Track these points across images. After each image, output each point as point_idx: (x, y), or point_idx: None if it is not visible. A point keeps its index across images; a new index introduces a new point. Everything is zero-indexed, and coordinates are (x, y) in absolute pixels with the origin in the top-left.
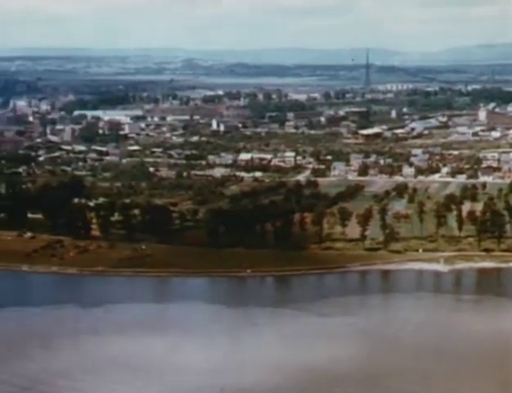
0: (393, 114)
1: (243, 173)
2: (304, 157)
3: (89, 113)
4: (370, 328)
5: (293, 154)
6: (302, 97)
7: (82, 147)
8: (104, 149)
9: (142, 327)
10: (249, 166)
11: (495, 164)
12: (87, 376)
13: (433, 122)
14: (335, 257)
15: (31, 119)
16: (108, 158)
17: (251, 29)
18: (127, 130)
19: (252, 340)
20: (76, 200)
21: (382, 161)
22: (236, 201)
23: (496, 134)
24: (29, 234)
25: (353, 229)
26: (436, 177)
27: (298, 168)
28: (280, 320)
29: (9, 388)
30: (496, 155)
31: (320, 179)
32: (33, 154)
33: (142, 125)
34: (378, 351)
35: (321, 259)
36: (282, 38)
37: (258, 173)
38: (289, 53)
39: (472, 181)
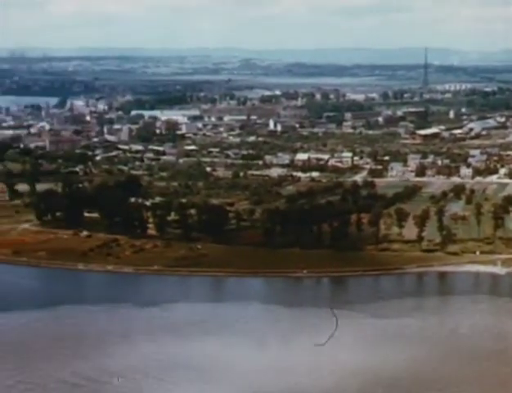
0: (451, 114)
1: (300, 174)
2: (361, 157)
3: (146, 113)
4: (426, 331)
5: (350, 154)
6: (360, 97)
7: (139, 147)
8: (161, 149)
9: (198, 327)
10: (306, 166)
11: None
12: (143, 375)
13: (491, 122)
14: (392, 258)
15: (88, 118)
16: (165, 158)
17: (309, 28)
18: (184, 130)
19: (308, 340)
20: (133, 199)
21: (439, 162)
22: (293, 201)
23: None
24: (85, 233)
25: (410, 230)
26: (494, 178)
27: (355, 168)
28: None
29: (64, 386)
30: None
31: (377, 180)
32: (90, 153)
33: (199, 125)
34: (435, 354)
35: (378, 261)
36: (340, 38)
37: (314, 174)
38: (347, 53)
39: None
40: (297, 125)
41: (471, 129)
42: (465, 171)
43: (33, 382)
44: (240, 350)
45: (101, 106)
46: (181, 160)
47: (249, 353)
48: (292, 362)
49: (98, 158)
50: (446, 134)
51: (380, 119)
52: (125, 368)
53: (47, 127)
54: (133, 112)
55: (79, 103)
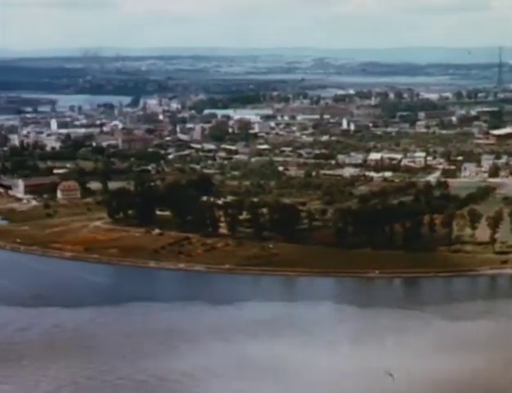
0: None
1: (372, 173)
2: (435, 157)
3: (219, 112)
4: (500, 333)
5: (423, 154)
6: (433, 97)
7: (211, 146)
8: (233, 148)
9: (270, 326)
10: (379, 166)
11: None
12: (214, 375)
13: None
14: (465, 260)
15: (161, 117)
16: (237, 157)
17: (383, 27)
18: (256, 129)
19: (380, 341)
20: (204, 198)
21: None
22: (365, 201)
23: None
24: (157, 231)
25: (483, 232)
26: None
27: (428, 168)
28: (409, 322)
29: (132, 384)
30: None
31: (450, 180)
32: (162, 152)
33: (272, 124)
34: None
35: (451, 262)
36: (414, 37)
37: (387, 174)
38: (421, 52)
39: None
40: (370, 125)
41: None
42: None
43: (102, 379)
44: (311, 351)
45: (174, 105)
46: (253, 159)
47: (320, 353)
48: (364, 364)
49: (171, 157)
50: None
51: (454, 118)
52: (196, 368)
53: (120, 126)
54: (206, 111)
55: (152, 102)
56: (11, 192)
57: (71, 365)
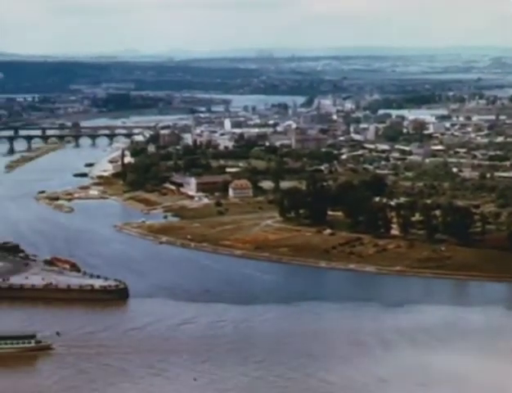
0: None
1: None
2: None
3: (394, 112)
4: None
5: None
6: None
7: (385, 146)
8: (407, 148)
9: (444, 330)
10: None
11: None
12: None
13: None
14: None
15: (335, 117)
16: (411, 157)
17: None
18: (431, 130)
19: None
20: (377, 198)
21: None
22: None
23: None
24: (328, 231)
25: None
26: None
27: None
28: None
29: (303, 384)
30: None
31: None
32: (335, 152)
33: (447, 125)
34: None
35: None
36: None
37: None
38: None
39: None
40: None
41: None
42: None
43: (281, 376)
44: (486, 361)
45: (349, 105)
46: (427, 160)
47: (495, 363)
48: None
49: (344, 157)
50: None
51: None
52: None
53: (294, 125)
54: (381, 111)
55: (326, 102)
56: (182, 190)
57: (239, 363)
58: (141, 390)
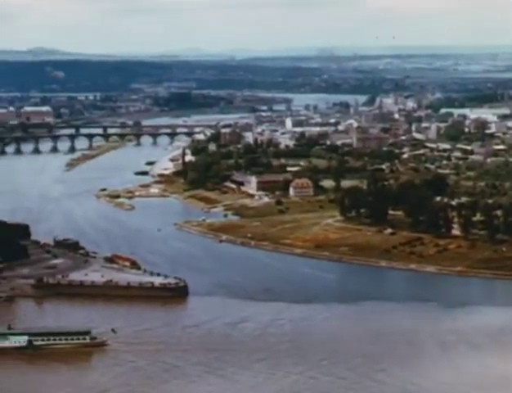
0: None
1: None
2: None
3: (456, 111)
4: None
5: None
6: None
7: (446, 145)
8: (469, 148)
9: (504, 333)
10: None
11: None
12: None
13: None
14: None
15: (397, 116)
16: (472, 157)
17: None
18: (493, 129)
19: None
20: (438, 198)
21: None
22: None
23: None
24: (389, 230)
25: None
26: None
27: None
28: None
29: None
30: None
31: None
32: (396, 151)
33: (509, 124)
34: None
35: None
36: None
37: None
38: None
39: None
40: None
41: None
42: None
43: (339, 376)
44: None
45: (410, 104)
46: (489, 160)
47: None
48: None
49: (405, 156)
50: None
51: None
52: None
53: (355, 124)
54: (442, 110)
55: (388, 101)
56: (243, 188)
57: (296, 362)
58: (196, 388)
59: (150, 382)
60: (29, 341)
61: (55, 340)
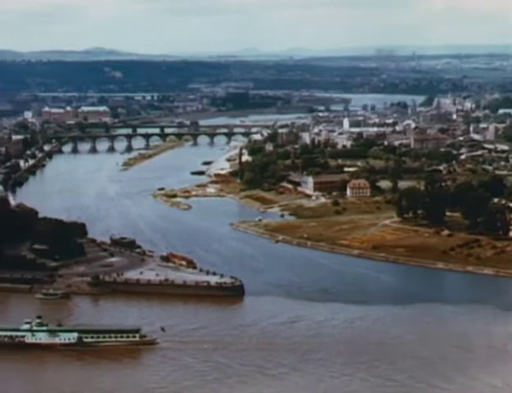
0: None
1: None
2: None
3: None
4: None
5: None
6: None
7: (504, 147)
8: None
9: None
10: None
11: None
12: None
13: None
14: None
15: (454, 117)
16: None
17: None
18: None
19: None
20: (495, 199)
21: None
22: None
23: None
24: (446, 232)
25: None
26: None
27: None
28: None
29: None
30: None
31: None
32: (454, 152)
33: None
34: None
35: None
36: None
37: None
38: None
39: None
40: None
41: None
42: None
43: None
44: None
45: (468, 105)
46: None
47: None
48: None
49: (463, 157)
50: None
51: None
52: None
53: (413, 125)
54: (501, 111)
55: (446, 101)
56: (299, 189)
57: (348, 363)
58: (244, 388)
59: (199, 382)
60: (79, 338)
61: (104, 337)
